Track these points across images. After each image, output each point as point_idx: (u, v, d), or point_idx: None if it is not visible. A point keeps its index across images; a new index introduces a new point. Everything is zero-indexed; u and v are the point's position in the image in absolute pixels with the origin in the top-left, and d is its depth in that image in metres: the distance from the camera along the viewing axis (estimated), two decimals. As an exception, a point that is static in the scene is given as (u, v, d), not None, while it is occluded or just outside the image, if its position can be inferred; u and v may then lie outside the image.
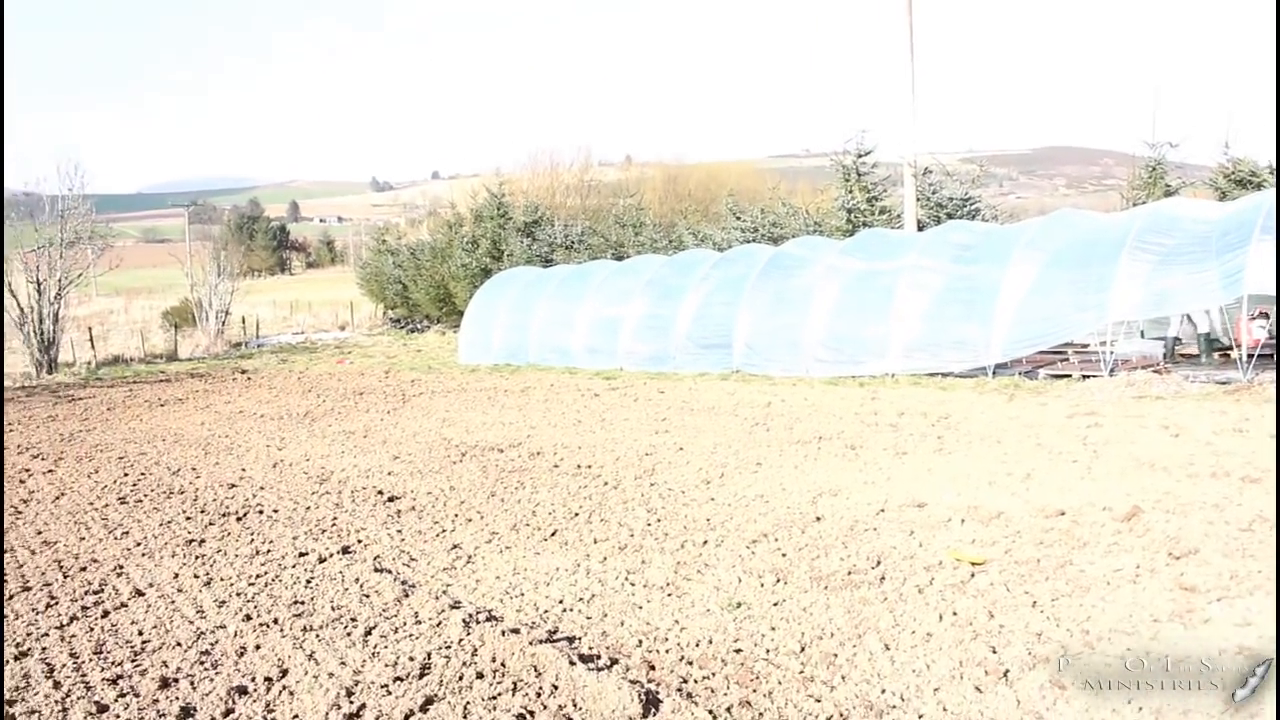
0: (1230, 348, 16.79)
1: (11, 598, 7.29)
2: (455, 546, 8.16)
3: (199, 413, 18.69)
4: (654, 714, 4.72)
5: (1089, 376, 15.80)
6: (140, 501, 10.68)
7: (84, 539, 9.08)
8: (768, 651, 5.44)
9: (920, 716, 4.59)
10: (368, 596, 6.88)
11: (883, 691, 4.86)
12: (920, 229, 24.69)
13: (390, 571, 7.48)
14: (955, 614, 5.80)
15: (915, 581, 6.42)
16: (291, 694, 5.24)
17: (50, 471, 12.88)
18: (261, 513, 9.86)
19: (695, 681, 5.11)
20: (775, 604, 6.20)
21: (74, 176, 32.43)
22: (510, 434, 13.91)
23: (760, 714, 4.71)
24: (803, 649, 5.43)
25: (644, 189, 52.50)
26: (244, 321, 43.36)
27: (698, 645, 5.60)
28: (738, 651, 5.46)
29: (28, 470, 13.07)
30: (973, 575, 6.47)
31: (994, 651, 5.21)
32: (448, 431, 14.52)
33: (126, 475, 12.32)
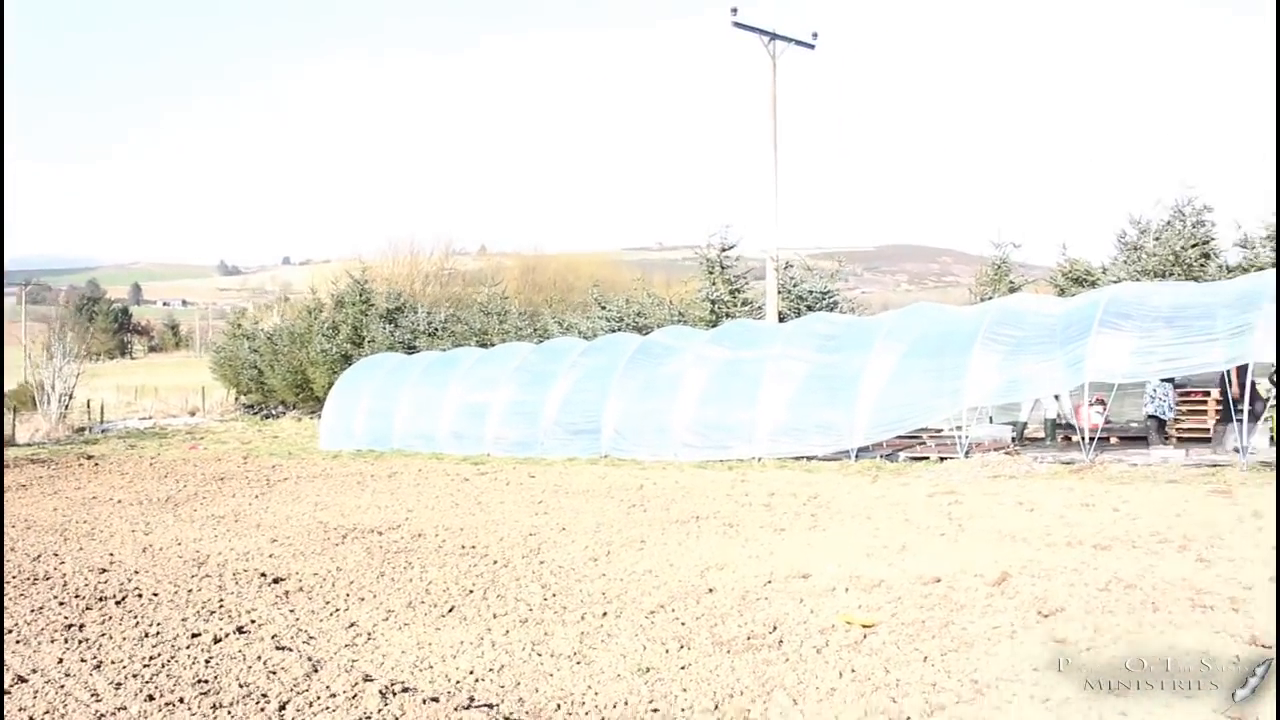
0: (1074, 431, 17.90)
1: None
2: (353, 624, 8.20)
3: (48, 499, 17.92)
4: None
5: (946, 458, 16.68)
6: (8, 585, 10.31)
7: None
8: (683, 710, 5.72)
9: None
10: (274, 673, 6.89)
11: (796, 741, 5.19)
12: (781, 320, 25.66)
13: (291, 649, 7.50)
14: (854, 670, 6.19)
15: (812, 643, 6.81)
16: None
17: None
18: (140, 596, 9.65)
19: (621, 739, 5.35)
20: (683, 667, 6.49)
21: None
22: (388, 517, 13.91)
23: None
24: (716, 706, 5.73)
25: (503, 278, 52.90)
26: (88, 406, 41.86)
27: (614, 707, 5.84)
28: (655, 711, 5.73)
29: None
30: (864, 637, 6.89)
31: (894, 701, 5.60)
32: (322, 515, 14.41)
33: None
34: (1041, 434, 18.99)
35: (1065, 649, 6.33)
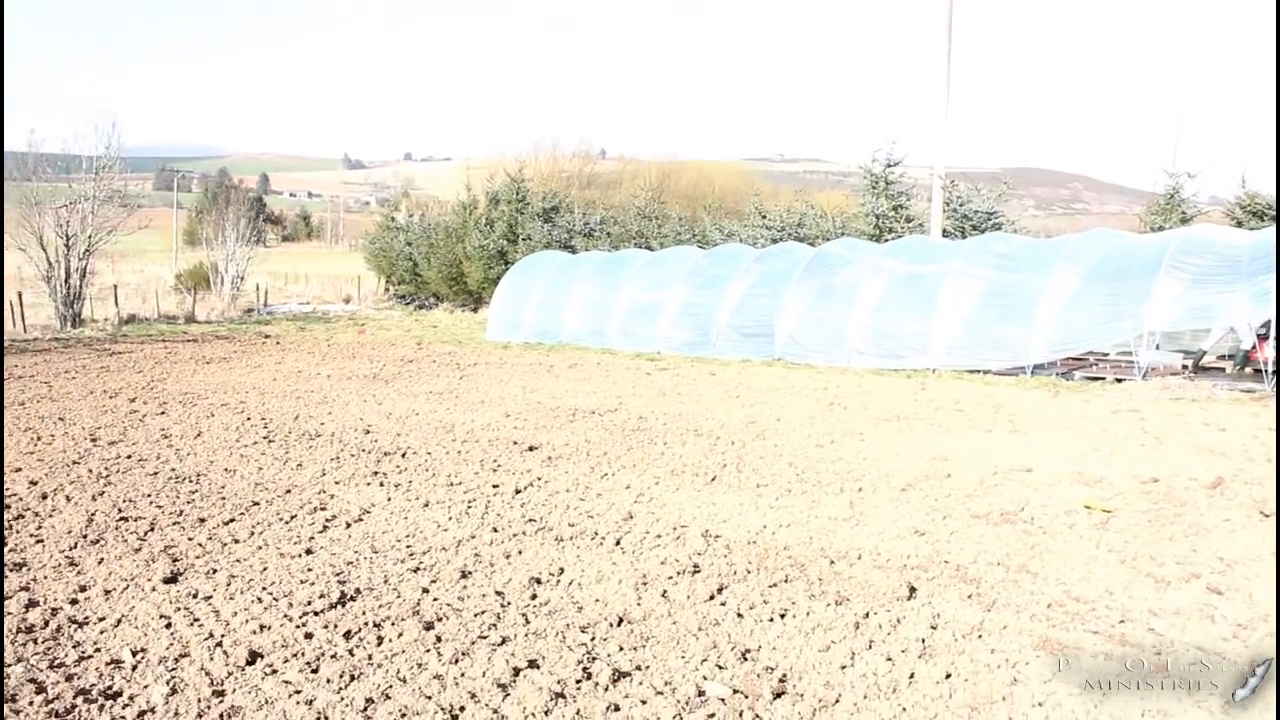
0: (1254, 361, 18.36)
1: (281, 521, 8.56)
2: (628, 486, 9.40)
3: (255, 370, 19.35)
4: (914, 597, 6.14)
5: (1121, 379, 17.40)
6: (287, 440, 11.70)
7: (262, 469, 10.05)
8: (971, 561, 6.86)
9: (1109, 607, 5.98)
10: (592, 517, 8.20)
11: (1074, 589, 6.27)
12: (945, 237, 26.28)
13: (602, 495, 8.83)
14: (1108, 544, 7.25)
15: (1062, 521, 7.89)
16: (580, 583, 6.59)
17: (162, 414, 13.58)
18: (417, 453, 10.95)
19: (931, 580, 6.51)
20: (952, 533, 7.62)
21: (110, 134, 33.19)
22: (600, 401, 15.17)
23: (991, 603, 6.11)
24: (999, 563, 6.85)
25: (637, 184, 53.70)
26: (258, 289, 44.21)
27: (908, 557, 7.00)
28: (945, 563, 6.87)
29: (135, 413, 13.64)
30: (1107, 520, 7.93)
31: (1156, 567, 6.66)
32: (534, 396, 15.70)
33: (248, 419, 13.13)
34: (1214, 364, 19.45)
35: (1295, 540, 7.32)
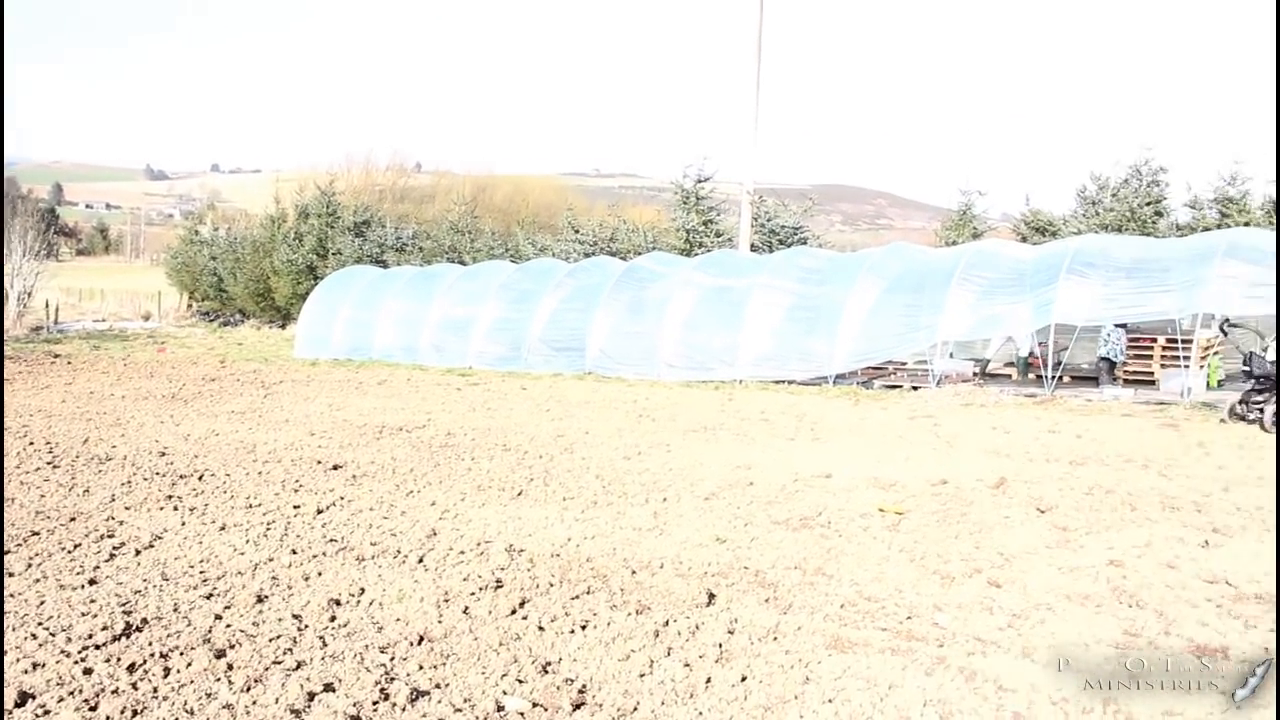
0: (1035, 367, 19.52)
1: (63, 550, 8.13)
2: (434, 503, 9.27)
3: (42, 392, 18.09)
4: (713, 603, 6.25)
5: (917, 387, 18.19)
6: (74, 465, 10.97)
7: (44, 496, 9.33)
8: (770, 567, 7.03)
9: (898, 604, 6.22)
10: (395, 535, 8.06)
11: (867, 589, 6.50)
12: (753, 252, 26.95)
13: (406, 513, 8.69)
14: (900, 544, 7.54)
15: (857, 524, 8.18)
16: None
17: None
18: (215, 475, 10.45)
19: (731, 586, 6.64)
20: (753, 539, 7.79)
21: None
22: (409, 418, 14.96)
23: (788, 605, 6.27)
24: (796, 566, 7.04)
25: (455, 197, 53.35)
26: (48, 306, 41.93)
27: (710, 564, 7.12)
28: (745, 568, 7.01)
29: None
30: (899, 521, 8.26)
31: (942, 564, 6.97)
32: (341, 414, 15.36)
33: (31, 444, 12.23)
34: (999, 371, 20.57)
35: (1067, 534, 7.77)
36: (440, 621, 5.98)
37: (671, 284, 21.80)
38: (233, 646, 5.56)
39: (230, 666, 5.28)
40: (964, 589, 6.49)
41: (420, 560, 7.32)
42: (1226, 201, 25.57)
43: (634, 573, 6.88)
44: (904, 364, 20.53)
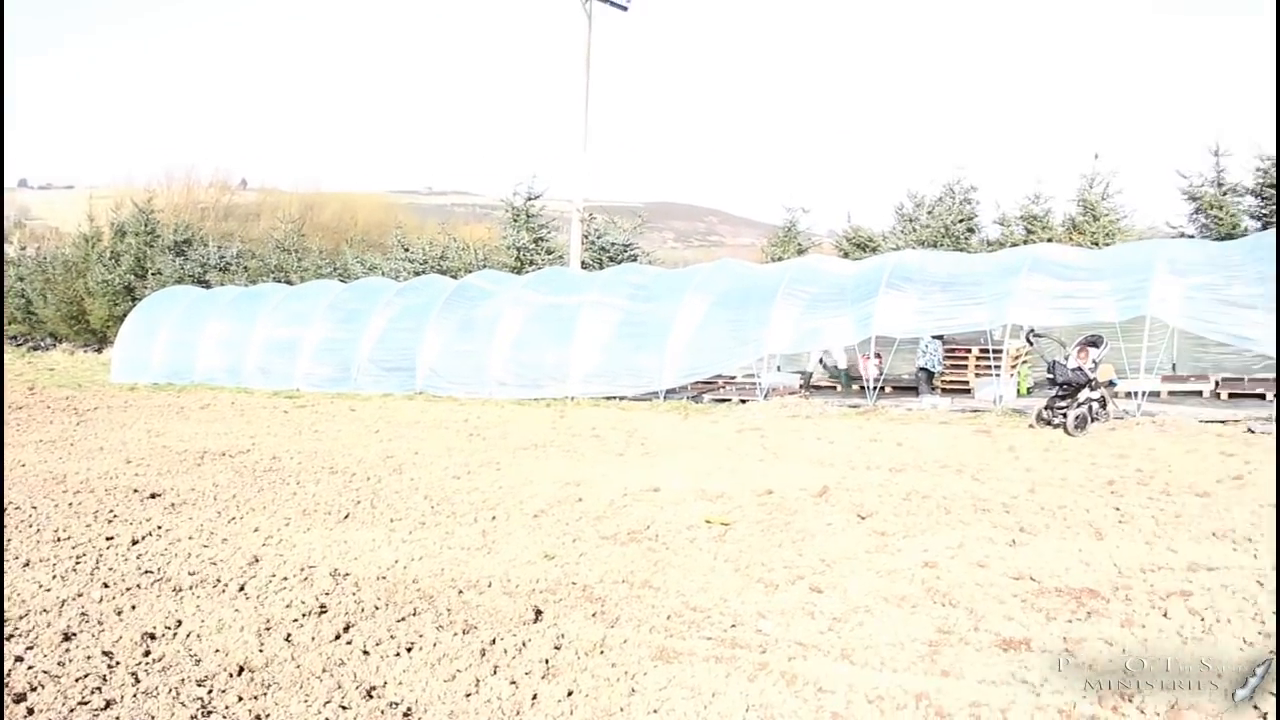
0: (860, 379, 20.16)
1: None
2: (257, 529, 8.99)
3: None
4: (540, 619, 6.25)
5: (745, 400, 18.57)
6: None
7: None
8: (598, 581, 7.07)
9: (723, 613, 6.33)
10: (215, 563, 7.82)
11: (693, 599, 6.60)
12: (584, 269, 27.12)
13: (228, 541, 8.42)
14: (726, 554, 7.68)
15: (684, 536, 8.28)
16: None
17: None
18: (20, 508, 9.89)
19: (559, 602, 6.65)
20: (581, 555, 7.82)
21: None
22: (232, 442, 14.53)
23: (615, 619, 6.32)
24: (624, 580, 7.09)
25: (281, 215, 52.11)
26: None
27: (538, 581, 7.11)
28: (573, 584, 7.04)
29: None
30: (725, 532, 8.41)
31: (766, 573, 7.12)
32: (160, 440, 14.82)
33: None
34: (824, 383, 21.16)
35: (885, 538, 8.04)
36: (261, 650, 5.83)
37: (502, 302, 21.75)
38: (35, 689, 5.30)
39: (31, 711, 5.04)
40: (787, 595, 6.65)
41: (241, 588, 7.11)
42: (1031, 219, 26.98)
43: (461, 592, 6.83)
44: (733, 378, 20.92)
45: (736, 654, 5.62)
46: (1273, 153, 24.54)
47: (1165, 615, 6.11)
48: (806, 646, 5.72)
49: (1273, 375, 16.58)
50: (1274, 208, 24.01)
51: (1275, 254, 15.54)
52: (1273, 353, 15.22)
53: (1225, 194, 25.17)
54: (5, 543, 8.56)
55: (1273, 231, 17.97)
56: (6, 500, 10.46)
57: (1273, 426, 14.04)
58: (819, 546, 7.85)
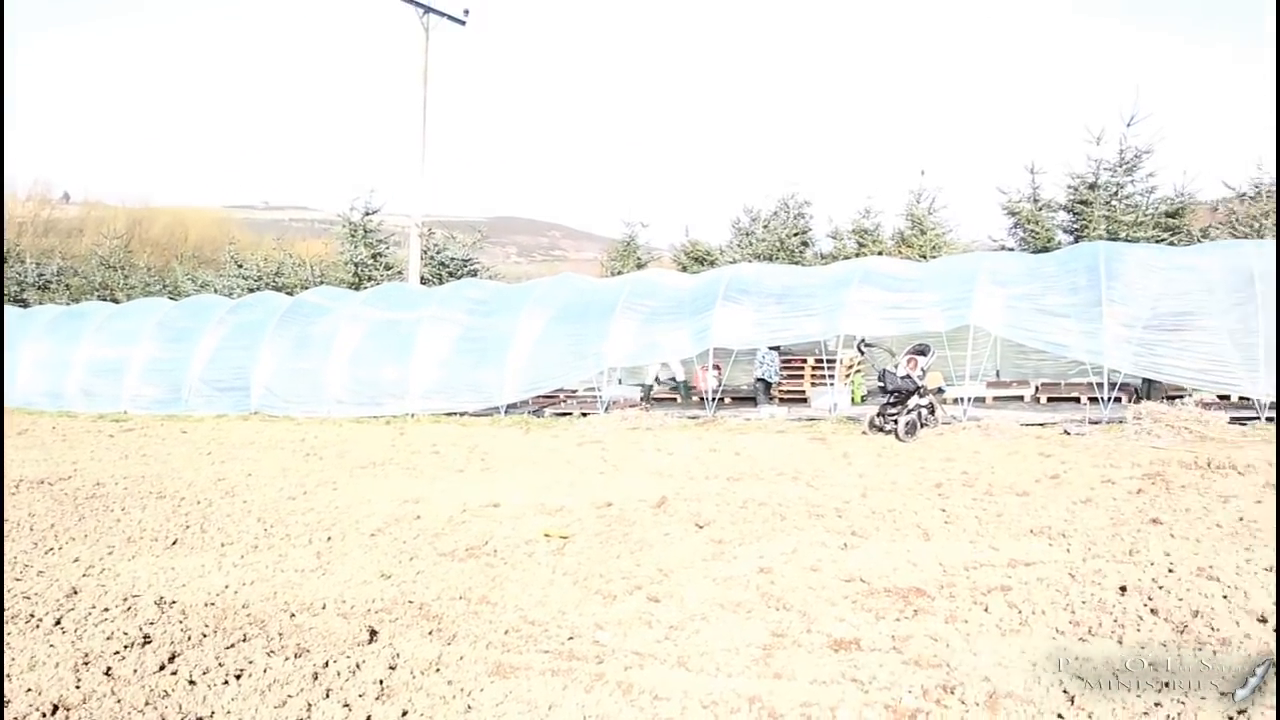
0: (697, 390, 20.44)
1: None
2: (77, 559, 8.60)
3: None
4: (375, 640, 6.15)
5: (586, 414, 18.61)
6: None
7: None
8: (435, 599, 6.99)
9: (560, 626, 6.34)
10: (29, 597, 7.44)
11: (531, 613, 6.59)
12: (423, 284, 26.82)
13: (44, 573, 8.03)
14: (564, 567, 7.68)
15: (523, 551, 8.26)
16: (36, 654, 5.99)
17: None
18: None
19: (394, 621, 6.55)
20: (419, 572, 7.72)
21: None
22: (52, 469, 13.86)
23: (452, 636, 6.26)
24: (461, 596, 7.03)
25: (103, 232, 50.09)
26: None
27: (374, 601, 6.99)
28: (410, 602, 6.94)
29: None
30: (564, 545, 8.41)
31: (604, 584, 7.15)
32: (-28, 469, 14.09)
33: None
34: (665, 395, 21.40)
35: (722, 546, 8.17)
36: (78, 687, 5.57)
37: (339, 318, 21.33)
38: None
39: None
40: (625, 606, 6.69)
41: (58, 623, 6.78)
42: (863, 233, 27.88)
43: (294, 616, 6.66)
44: (574, 392, 20.95)
45: (574, 666, 5.63)
46: (1080, 169, 25.95)
47: (986, 610, 6.36)
48: (643, 655, 5.77)
49: (1086, 380, 17.45)
50: (1084, 223, 25.34)
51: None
52: (1085, 358, 16.04)
53: (1041, 209, 26.46)
54: None
55: (1082, 245, 18.92)
56: None
57: (1087, 428, 14.79)
58: (657, 556, 7.93)
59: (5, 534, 9.73)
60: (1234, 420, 14.82)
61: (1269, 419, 14.82)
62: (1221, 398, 16.38)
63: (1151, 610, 6.26)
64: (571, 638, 6.11)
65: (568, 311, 19.81)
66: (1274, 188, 24.91)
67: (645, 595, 6.89)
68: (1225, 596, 6.50)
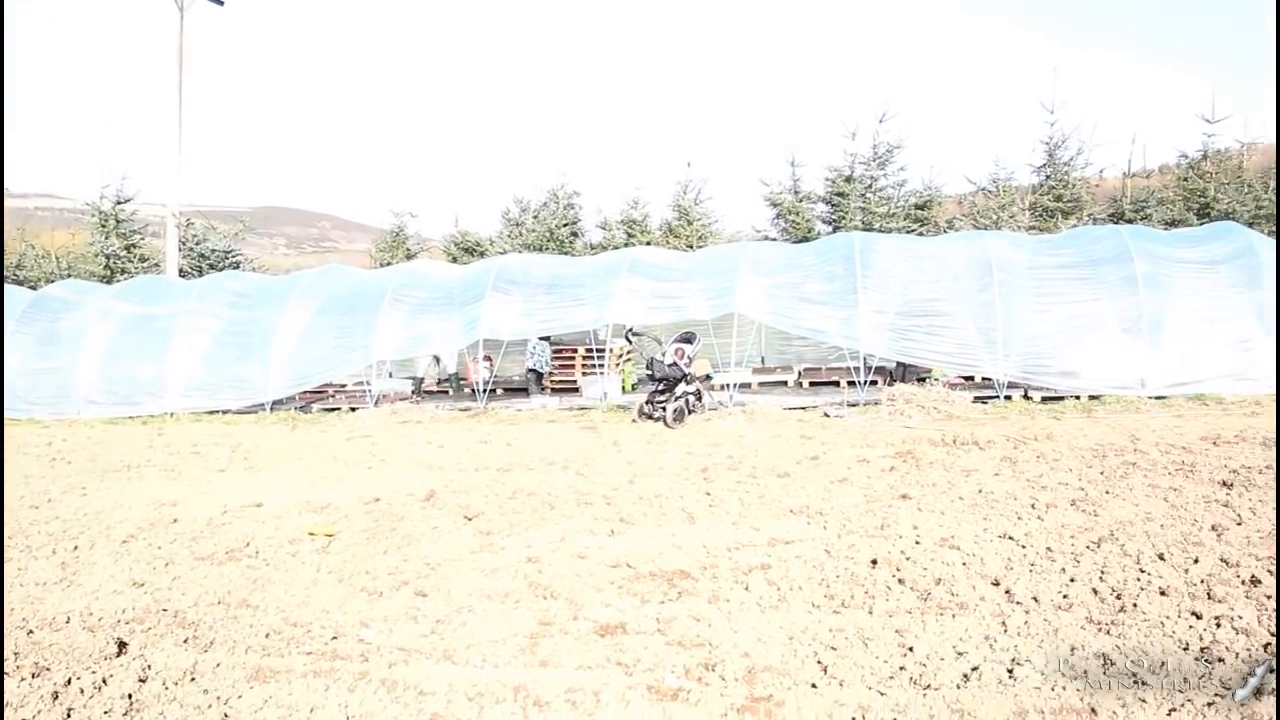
0: (469, 382, 20.30)
1: None
2: None
3: None
4: (124, 652, 5.86)
5: (356, 409, 18.24)
6: None
7: None
8: (191, 606, 6.71)
9: (324, 626, 6.21)
10: None
11: (293, 615, 6.43)
12: (182, 276, 25.63)
13: None
14: (329, 565, 7.51)
15: (286, 551, 8.03)
16: None
17: None
18: None
19: (147, 631, 6.26)
20: (175, 579, 7.39)
21: None
22: None
23: (209, 643, 6.04)
24: (220, 601, 6.78)
25: None
26: None
27: (123, 612, 6.66)
28: (164, 610, 6.64)
29: None
30: (329, 543, 8.22)
31: (370, 581, 7.04)
32: None
33: None
34: (436, 388, 21.18)
35: (490, 537, 8.17)
36: None
37: (89, 314, 20.11)
38: None
39: None
40: (391, 602, 6.60)
41: None
42: (631, 223, 28.28)
43: (32, 633, 6.27)
44: (344, 386, 20.47)
45: (337, 666, 5.52)
46: (838, 163, 27.12)
47: (747, 589, 6.59)
48: (409, 651, 5.71)
49: (846, 365, 18.26)
50: (841, 214, 26.51)
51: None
52: (843, 344, 16.78)
53: (801, 201, 27.49)
54: None
55: (838, 235, 19.74)
56: None
57: (846, 410, 15.47)
58: (425, 550, 7.86)
59: None
60: (977, 399, 15.84)
61: (1006, 397, 15.90)
62: (966, 378, 17.43)
63: (899, 580, 6.63)
64: (335, 637, 5.99)
65: (334, 304, 19.32)
66: (1006, 182, 26.76)
67: (412, 590, 6.82)
68: (964, 564, 6.94)
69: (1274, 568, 6.52)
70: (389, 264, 26.20)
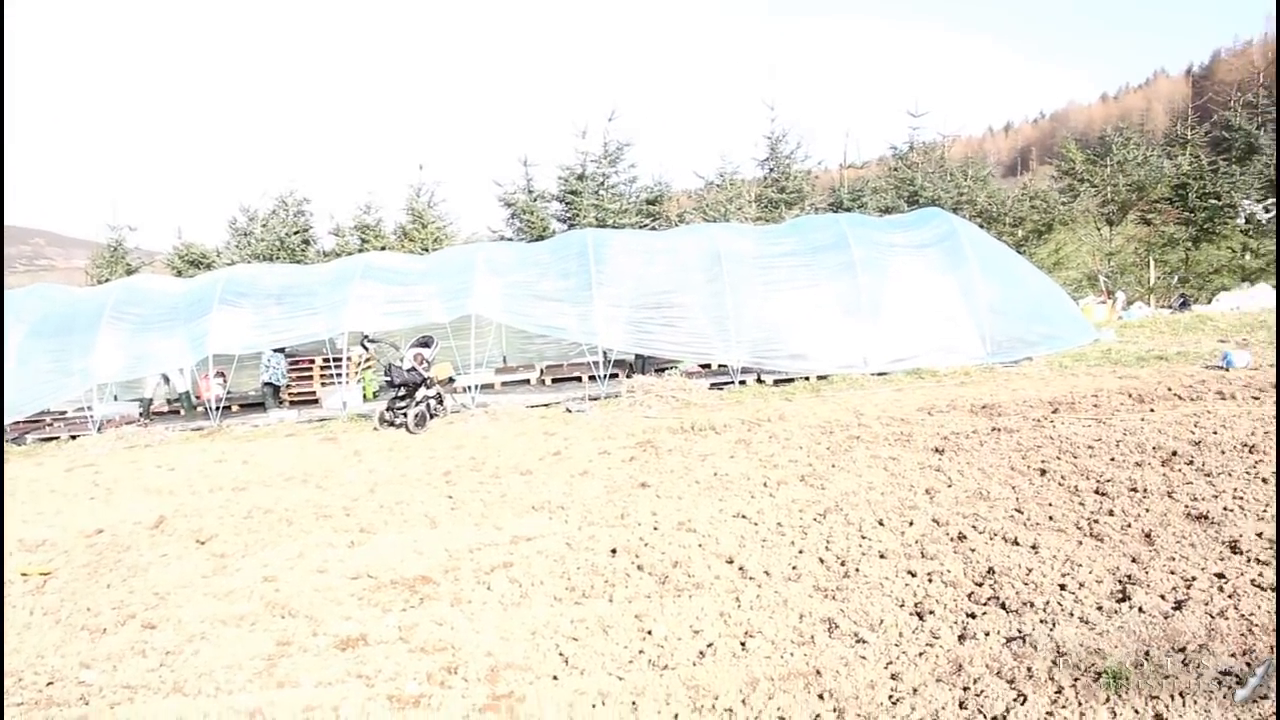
0: (202, 400, 19.41)
1: None
2: None
3: None
4: None
5: (77, 436, 17.12)
6: None
7: None
8: None
9: (39, 672, 5.84)
10: None
11: (7, 662, 6.01)
12: None
13: None
14: (44, 608, 7.04)
15: (-4, 594, 7.47)
16: None
17: None
18: None
19: None
20: None
21: None
22: None
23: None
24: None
25: None
26: None
27: None
28: None
29: None
30: (45, 582, 7.71)
31: (96, 616, 6.65)
32: None
33: None
34: (167, 409, 20.16)
35: (225, 560, 7.87)
36: None
37: None
38: None
39: None
40: (116, 638, 6.27)
41: None
42: (365, 228, 27.76)
43: None
44: (63, 413, 19.19)
45: (52, 714, 5.20)
46: (570, 162, 27.46)
47: (489, 588, 6.61)
48: (134, 688, 5.44)
49: (586, 360, 18.51)
50: (575, 211, 26.83)
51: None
52: (582, 339, 17.00)
53: (536, 200, 27.65)
54: None
55: (572, 232, 19.97)
56: None
57: (588, 405, 15.68)
58: (153, 580, 7.49)
59: None
60: (714, 386, 16.39)
61: (741, 382, 16.52)
62: (704, 366, 17.98)
63: (639, 567, 6.80)
64: (51, 683, 5.64)
65: (46, 325, 18.06)
66: (733, 176, 27.79)
67: (140, 623, 6.50)
68: (700, 545, 7.19)
69: (972, 520, 7.06)
70: (107, 280, 24.71)
